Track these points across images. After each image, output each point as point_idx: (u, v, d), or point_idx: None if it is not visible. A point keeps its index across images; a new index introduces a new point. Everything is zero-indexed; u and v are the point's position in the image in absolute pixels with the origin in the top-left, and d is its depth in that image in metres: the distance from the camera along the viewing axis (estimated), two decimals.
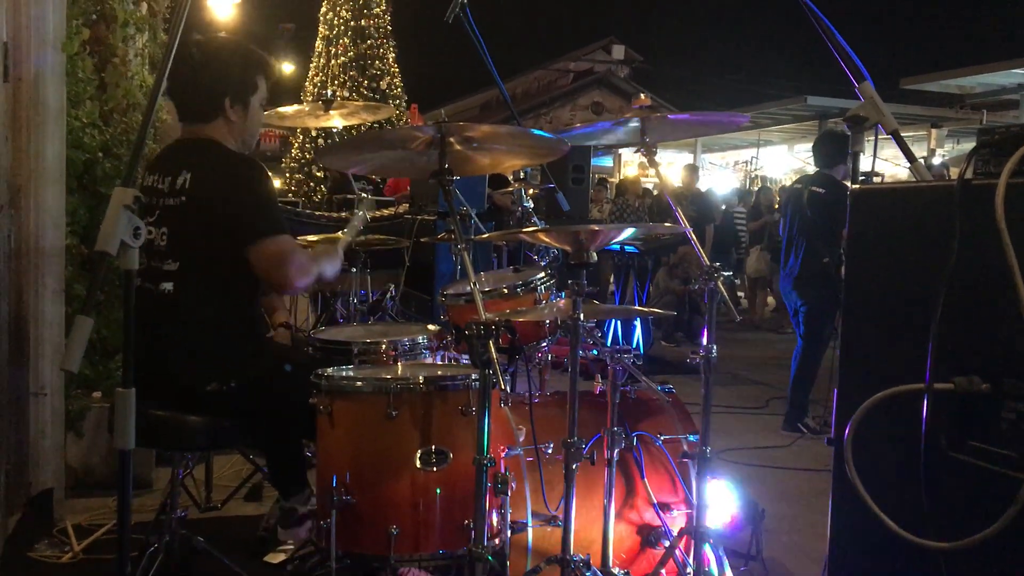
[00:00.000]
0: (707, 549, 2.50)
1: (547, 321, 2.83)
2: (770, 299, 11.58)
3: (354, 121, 4.20)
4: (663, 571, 2.57)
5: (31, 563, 2.98)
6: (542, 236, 2.58)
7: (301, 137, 17.23)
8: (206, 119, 2.66)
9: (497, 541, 2.30)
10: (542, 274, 2.99)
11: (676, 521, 2.67)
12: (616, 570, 2.54)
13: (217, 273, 2.55)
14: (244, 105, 2.69)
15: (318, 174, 15.25)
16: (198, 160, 2.60)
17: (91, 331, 1.87)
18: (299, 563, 2.82)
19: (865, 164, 2.21)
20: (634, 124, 2.66)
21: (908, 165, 2.23)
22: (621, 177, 19.36)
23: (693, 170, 11.24)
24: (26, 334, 3.20)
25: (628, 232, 3.05)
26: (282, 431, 2.63)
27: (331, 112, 3.86)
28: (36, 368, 3.25)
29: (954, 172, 2.19)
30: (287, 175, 17.30)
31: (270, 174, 2.75)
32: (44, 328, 3.26)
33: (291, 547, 2.91)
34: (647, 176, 16.68)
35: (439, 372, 2.49)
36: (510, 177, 5.61)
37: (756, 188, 14.17)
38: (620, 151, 20.00)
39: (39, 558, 3.01)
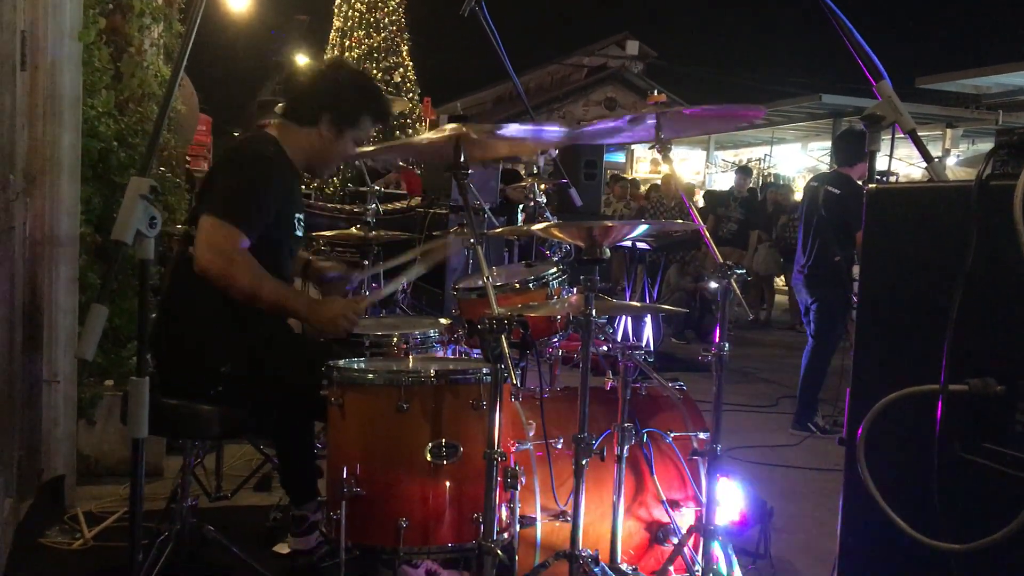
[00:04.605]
0: (716, 546, 2.49)
1: (559, 316, 2.83)
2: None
3: None
4: (671, 568, 2.58)
5: (42, 549, 3.00)
6: (555, 231, 2.58)
7: None
8: (301, 122, 2.74)
9: (506, 535, 2.30)
10: (554, 269, 2.99)
11: (685, 518, 2.67)
12: (625, 566, 2.54)
13: None
14: (339, 130, 2.74)
15: None
16: (236, 145, 2.74)
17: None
18: (308, 553, 2.83)
19: (881, 163, 2.21)
20: (648, 120, 2.65)
21: (924, 164, 2.22)
22: (634, 174, 19.32)
23: (745, 173, 11.14)
24: (40, 322, 3.21)
25: (641, 229, 3.05)
26: (293, 418, 2.64)
27: None
28: (50, 356, 3.26)
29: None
30: None
31: (272, 173, 2.74)
32: (58, 316, 3.27)
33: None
34: (658, 172, 16.60)
35: (450, 366, 2.50)
36: (523, 172, 5.61)
37: (769, 184, 14.12)
38: (633, 147, 19.95)
39: (50, 544, 3.03)
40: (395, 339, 2.83)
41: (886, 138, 2.28)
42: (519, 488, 2.24)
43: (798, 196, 10.31)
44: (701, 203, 11.48)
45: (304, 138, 2.74)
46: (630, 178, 15.06)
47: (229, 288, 2.48)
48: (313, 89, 2.77)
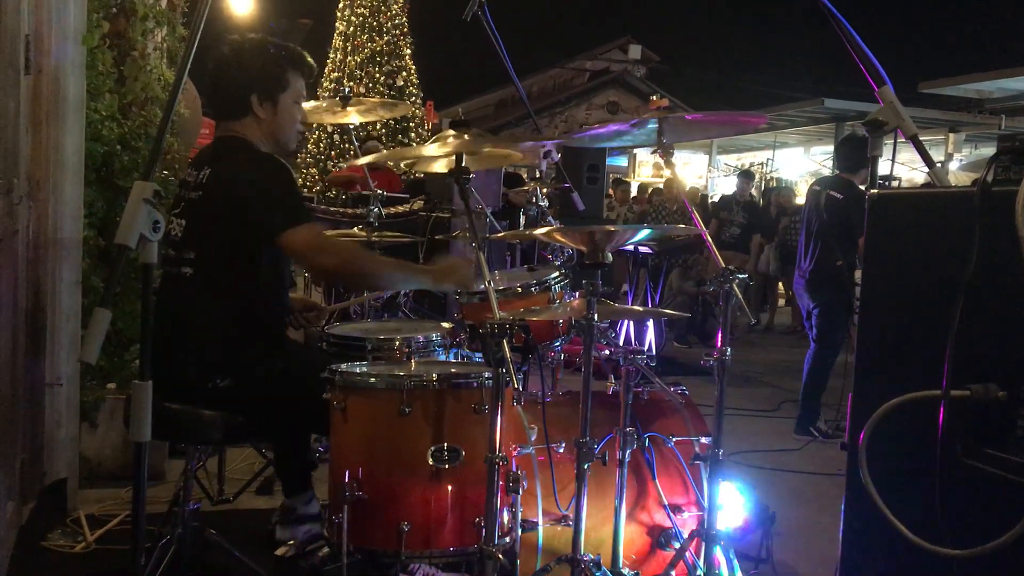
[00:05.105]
0: (718, 551, 2.49)
1: (561, 321, 2.83)
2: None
3: (371, 118, 4.22)
4: (673, 572, 2.57)
5: (44, 552, 3.00)
6: (557, 236, 2.58)
7: (317, 132, 17.28)
8: (235, 116, 2.69)
9: (508, 540, 2.30)
10: (556, 273, 2.99)
11: (687, 523, 2.67)
12: (626, 571, 2.54)
13: (230, 267, 2.57)
14: (273, 103, 2.69)
15: (333, 169, 15.30)
16: (220, 156, 2.66)
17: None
18: (310, 557, 2.83)
19: (883, 168, 2.21)
20: (651, 125, 2.65)
21: (926, 170, 2.23)
22: (636, 178, 19.33)
23: (748, 177, 11.10)
24: (43, 325, 3.22)
25: (644, 233, 3.05)
26: (293, 425, 2.64)
27: (348, 109, 3.87)
28: (52, 359, 3.27)
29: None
30: (303, 170, 17.37)
31: (291, 169, 2.75)
32: (61, 319, 3.28)
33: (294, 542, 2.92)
34: (661, 176, 16.59)
35: (452, 370, 2.50)
36: (525, 176, 5.61)
37: (772, 187, 14.10)
38: (635, 151, 19.95)
39: (52, 547, 3.03)
40: (397, 343, 2.83)
41: (888, 143, 2.29)
42: (521, 492, 2.24)
43: (800, 200, 10.30)
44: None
45: (251, 128, 2.69)
46: (634, 184, 15.08)
47: (355, 274, 2.62)
48: (226, 82, 2.69)
